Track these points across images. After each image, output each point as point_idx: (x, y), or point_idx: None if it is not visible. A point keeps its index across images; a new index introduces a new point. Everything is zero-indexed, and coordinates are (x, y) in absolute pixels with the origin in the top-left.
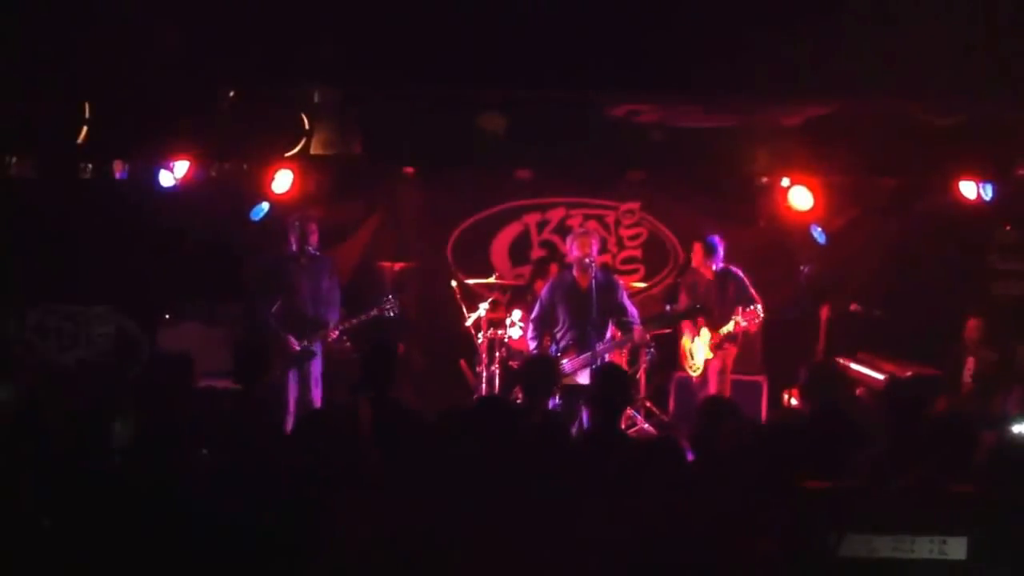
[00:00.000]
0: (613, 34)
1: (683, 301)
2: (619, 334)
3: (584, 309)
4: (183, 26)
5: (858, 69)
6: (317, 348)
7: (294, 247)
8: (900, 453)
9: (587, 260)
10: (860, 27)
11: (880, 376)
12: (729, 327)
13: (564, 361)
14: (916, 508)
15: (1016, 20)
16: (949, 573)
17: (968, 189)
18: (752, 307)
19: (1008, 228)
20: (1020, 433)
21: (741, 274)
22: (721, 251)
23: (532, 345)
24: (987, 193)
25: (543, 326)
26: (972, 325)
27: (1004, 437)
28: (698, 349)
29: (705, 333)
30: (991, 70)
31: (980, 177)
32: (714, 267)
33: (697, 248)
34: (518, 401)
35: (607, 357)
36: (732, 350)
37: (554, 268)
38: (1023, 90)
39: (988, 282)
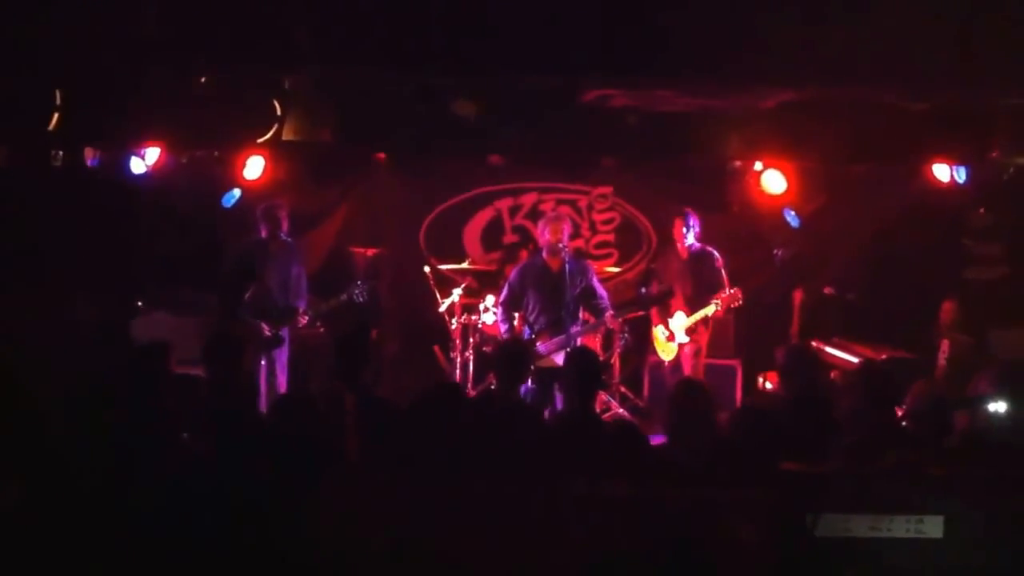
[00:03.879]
0: (584, 18)
1: (655, 284)
2: (591, 318)
3: (556, 292)
4: (155, 10)
5: (830, 55)
6: (285, 335)
7: (264, 234)
8: (875, 435)
9: (559, 244)
10: (832, 12)
11: (854, 359)
12: (707, 311)
13: (538, 344)
14: (892, 488)
15: (989, 5)
16: (925, 551)
17: (942, 173)
18: (731, 291)
19: (982, 212)
20: (994, 412)
21: (717, 256)
22: (696, 228)
23: (503, 329)
24: (961, 177)
25: (511, 309)
26: (947, 308)
27: (978, 417)
28: (669, 334)
29: (679, 316)
30: (966, 56)
31: (954, 161)
32: (687, 244)
33: (677, 222)
34: (492, 386)
35: (579, 341)
36: (705, 334)
37: (524, 254)
38: (996, 76)
39: (962, 266)
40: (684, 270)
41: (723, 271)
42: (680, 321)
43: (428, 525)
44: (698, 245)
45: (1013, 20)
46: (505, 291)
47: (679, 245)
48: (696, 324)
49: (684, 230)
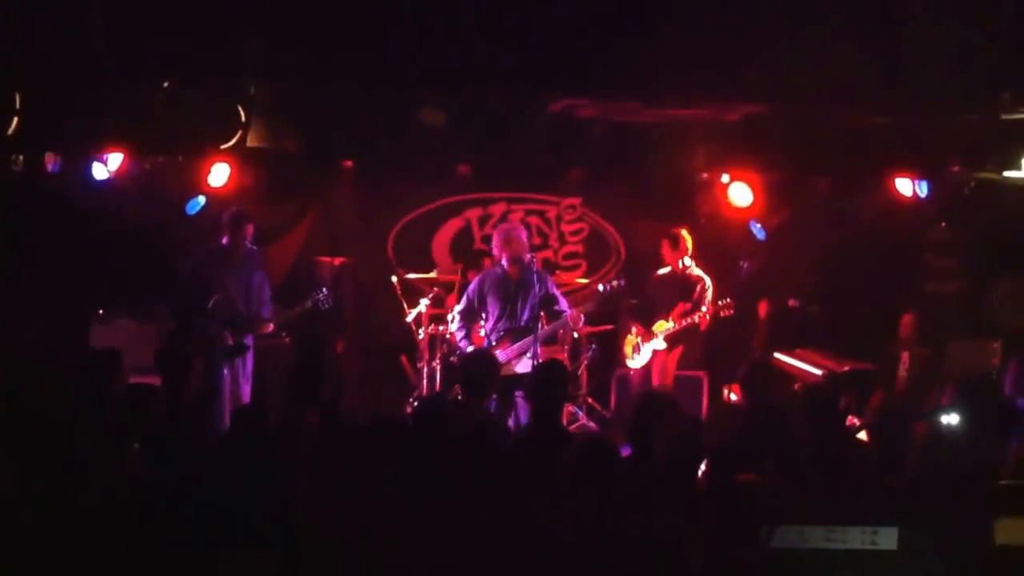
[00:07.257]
0: (550, 33)
1: (625, 296)
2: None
3: (516, 299)
4: (116, 16)
5: (789, 72)
6: (249, 343)
7: (226, 241)
8: (829, 447)
9: (527, 255)
10: (793, 30)
11: (817, 371)
12: (694, 317)
13: (498, 352)
14: (847, 499)
15: (943, 22)
16: (880, 563)
17: (904, 187)
18: (724, 300)
19: (943, 226)
20: (948, 425)
21: (709, 284)
22: (683, 243)
23: (458, 338)
24: (922, 191)
25: (468, 320)
26: (906, 321)
27: (934, 430)
28: (645, 337)
29: (663, 323)
30: (923, 73)
31: (915, 175)
32: (683, 261)
33: (664, 243)
34: (459, 398)
35: (540, 346)
36: (681, 344)
37: (487, 262)
38: (952, 92)
39: (922, 279)
40: (676, 286)
41: (709, 295)
42: (664, 327)
43: (390, 545)
44: (697, 272)
45: (971, 39)
46: (463, 301)
47: (675, 263)
48: (678, 331)
49: (672, 248)
